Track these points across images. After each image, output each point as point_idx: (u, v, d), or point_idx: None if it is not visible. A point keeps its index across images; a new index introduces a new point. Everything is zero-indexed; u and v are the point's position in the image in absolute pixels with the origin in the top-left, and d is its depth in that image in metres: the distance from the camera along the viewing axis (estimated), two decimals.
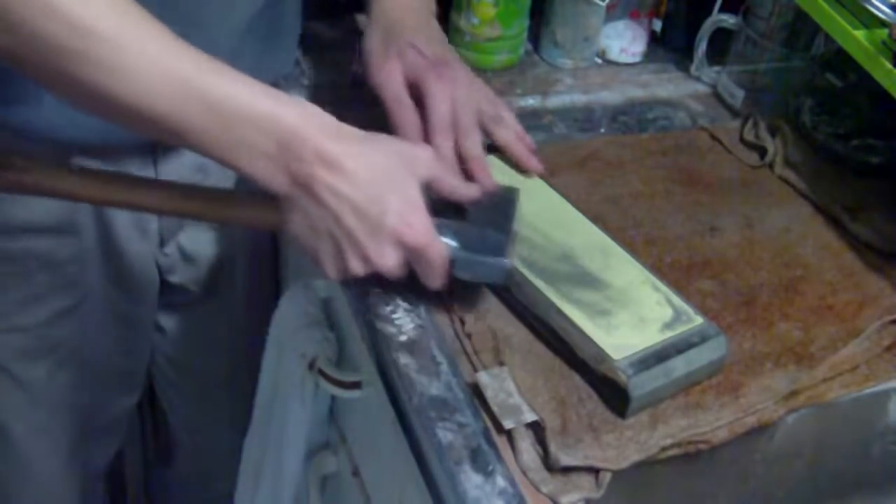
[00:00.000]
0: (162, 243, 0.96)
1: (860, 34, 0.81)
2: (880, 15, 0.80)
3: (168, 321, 1.06)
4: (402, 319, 0.72)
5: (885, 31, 0.79)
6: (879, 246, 0.85)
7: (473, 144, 0.78)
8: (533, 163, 0.83)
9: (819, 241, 0.86)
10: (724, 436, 0.67)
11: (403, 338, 0.70)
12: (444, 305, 0.73)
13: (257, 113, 0.61)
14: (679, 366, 0.67)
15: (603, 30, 1.06)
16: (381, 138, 0.67)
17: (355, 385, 0.82)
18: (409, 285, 0.70)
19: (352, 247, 0.64)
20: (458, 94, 0.78)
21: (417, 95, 0.78)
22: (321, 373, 0.84)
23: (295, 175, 0.62)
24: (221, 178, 0.94)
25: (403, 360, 0.69)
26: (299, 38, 0.96)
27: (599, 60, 1.09)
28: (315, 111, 0.64)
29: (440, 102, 0.77)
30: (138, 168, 0.86)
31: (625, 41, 1.07)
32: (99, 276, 0.92)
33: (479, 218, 0.71)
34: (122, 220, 0.89)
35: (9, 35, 0.57)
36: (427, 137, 0.77)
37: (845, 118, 0.94)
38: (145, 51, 0.59)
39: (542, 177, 0.83)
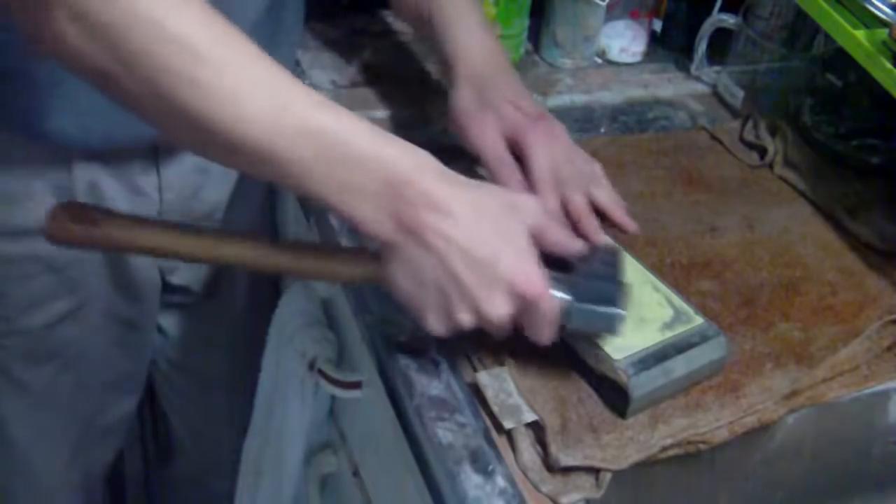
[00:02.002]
0: None
1: (860, 34, 0.81)
2: (880, 15, 0.80)
3: (169, 322, 1.06)
4: (402, 319, 0.72)
5: (885, 31, 0.79)
6: (879, 246, 0.85)
7: (579, 198, 0.76)
8: (631, 226, 0.81)
9: (819, 241, 0.86)
10: (724, 436, 0.67)
11: (403, 338, 0.70)
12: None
13: (368, 154, 0.58)
14: (679, 366, 0.67)
15: (603, 30, 1.06)
16: (487, 185, 0.64)
17: (355, 385, 0.82)
18: (516, 340, 0.66)
19: (461, 296, 0.60)
20: (558, 150, 0.77)
21: (516, 152, 0.77)
22: (321, 373, 0.84)
23: (401, 219, 0.59)
24: (222, 180, 0.94)
25: (403, 360, 0.69)
26: (299, 38, 0.96)
27: (599, 60, 1.09)
28: (424, 155, 0.60)
29: (543, 157, 0.76)
30: (141, 170, 0.86)
31: (625, 41, 1.07)
32: (101, 279, 0.92)
33: (585, 271, 0.68)
34: None
35: (114, 56, 0.54)
36: (531, 193, 0.75)
37: (845, 118, 0.94)
38: (259, 81, 0.56)
39: None
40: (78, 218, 0.65)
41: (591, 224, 0.76)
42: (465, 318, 0.61)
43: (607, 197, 0.80)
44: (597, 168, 0.81)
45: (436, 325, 0.62)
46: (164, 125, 0.59)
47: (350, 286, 0.77)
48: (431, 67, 1.01)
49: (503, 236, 0.61)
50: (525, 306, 0.61)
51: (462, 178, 0.61)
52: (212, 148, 0.59)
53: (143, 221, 0.67)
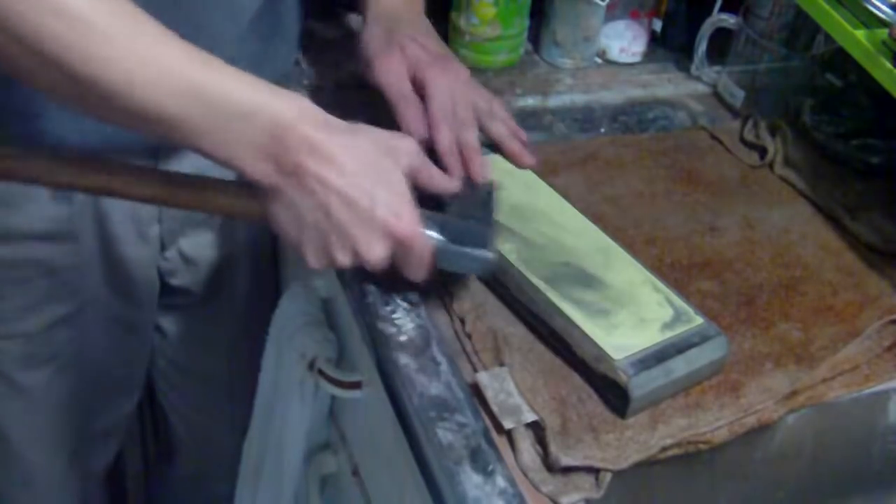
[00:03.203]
0: (163, 248, 0.96)
1: (860, 34, 0.81)
2: (880, 15, 0.80)
3: (169, 323, 1.06)
4: (402, 319, 0.72)
5: (885, 31, 0.79)
6: (879, 246, 0.85)
7: (471, 137, 0.78)
8: (526, 158, 0.83)
9: (819, 241, 0.86)
10: (724, 436, 0.67)
11: (403, 338, 0.70)
12: (443, 304, 0.74)
13: (251, 106, 0.61)
14: (679, 366, 0.67)
15: (603, 30, 1.06)
16: (365, 128, 0.67)
17: (355, 385, 0.82)
18: (394, 278, 0.69)
19: (339, 238, 0.64)
20: (456, 89, 0.79)
21: (419, 90, 0.79)
22: (321, 373, 0.84)
23: (282, 164, 0.62)
24: None
25: (403, 360, 0.69)
26: (299, 38, 0.96)
27: (599, 60, 1.09)
28: (304, 102, 0.63)
29: (442, 95, 0.78)
30: None
31: (625, 41, 1.07)
32: (99, 283, 0.92)
33: (458, 210, 0.71)
34: (122, 227, 0.89)
35: (5, 33, 0.56)
36: (428, 129, 0.77)
37: (845, 118, 0.94)
38: (138, 43, 0.58)
39: (540, 175, 0.83)
40: None
41: (477, 159, 0.78)
42: (344, 259, 0.64)
43: (503, 130, 0.83)
44: (496, 104, 0.83)
45: (315, 262, 0.65)
46: (68, 100, 0.61)
47: (229, 217, 0.81)
48: None
49: (379, 178, 0.64)
50: (399, 247, 0.65)
51: (342, 123, 0.64)
52: (106, 112, 0.61)
53: (29, 151, 0.68)
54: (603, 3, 1.01)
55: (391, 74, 0.79)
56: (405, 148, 0.68)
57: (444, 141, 0.77)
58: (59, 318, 0.91)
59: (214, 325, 1.08)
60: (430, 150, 0.76)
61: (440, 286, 0.74)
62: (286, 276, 1.11)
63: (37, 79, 0.59)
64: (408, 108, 0.78)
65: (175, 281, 1.00)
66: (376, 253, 0.64)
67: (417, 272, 0.67)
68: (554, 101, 1.01)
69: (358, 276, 0.72)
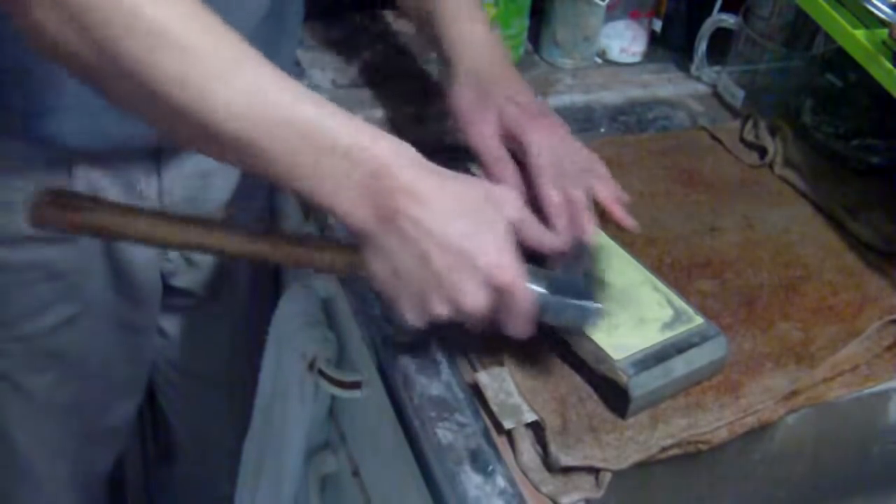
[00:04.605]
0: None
1: (860, 34, 0.81)
2: (880, 15, 0.80)
3: (170, 324, 1.06)
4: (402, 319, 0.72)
5: (885, 31, 0.79)
6: (879, 246, 0.85)
7: (579, 193, 0.76)
8: (629, 221, 0.80)
9: (819, 241, 0.86)
10: (724, 436, 0.67)
11: (403, 338, 0.70)
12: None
13: (348, 144, 0.58)
14: (679, 366, 0.67)
15: (603, 30, 1.06)
16: (468, 177, 0.63)
17: (355, 385, 0.82)
18: (493, 332, 0.65)
19: (438, 288, 0.59)
20: (558, 146, 0.77)
21: (516, 149, 0.77)
22: (321, 373, 0.84)
23: (380, 209, 0.58)
24: (223, 184, 0.94)
25: (403, 360, 0.69)
26: (299, 38, 0.96)
27: (599, 60, 1.09)
28: (404, 146, 0.60)
29: (543, 152, 0.76)
30: (142, 174, 0.86)
31: (625, 41, 1.07)
32: (102, 285, 0.92)
33: (562, 265, 0.68)
34: None
35: (91, 49, 0.54)
36: (533, 187, 0.75)
37: (845, 118, 0.94)
38: (239, 73, 0.56)
39: None
40: (62, 204, 0.65)
41: (585, 220, 0.76)
42: (442, 310, 0.60)
43: (607, 193, 0.80)
44: (598, 163, 0.81)
45: (412, 316, 0.61)
46: (148, 117, 0.59)
47: (330, 274, 0.77)
48: (431, 67, 1.01)
49: (481, 228, 0.60)
50: (501, 299, 0.61)
51: (443, 169, 0.61)
52: (194, 139, 0.59)
53: (127, 209, 0.67)
54: (603, 3, 1.01)
55: (486, 138, 0.77)
56: (508, 199, 0.64)
57: (554, 198, 0.74)
58: (63, 320, 0.91)
59: (215, 326, 1.08)
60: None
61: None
62: (286, 276, 1.11)
63: (126, 101, 0.57)
64: (504, 171, 0.76)
65: (177, 282, 1.00)
66: (477, 304, 0.60)
67: (520, 326, 0.63)
68: (554, 101, 1.01)
69: (454, 335, 0.68)
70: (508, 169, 0.76)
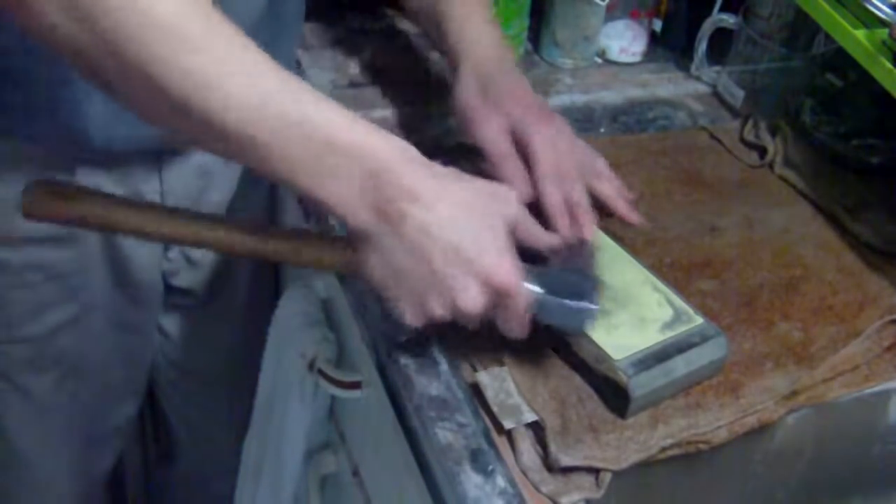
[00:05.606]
0: (166, 248, 0.96)
1: (860, 34, 0.81)
2: (880, 15, 0.80)
3: (170, 324, 1.06)
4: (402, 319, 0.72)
5: (885, 31, 0.79)
6: (879, 246, 0.85)
7: (579, 194, 0.76)
8: (634, 217, 0.80)
9: (819, 241, 0.86)
10: (724, 436, 0.67)
11: (403, 338, 0.70)
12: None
13: (350, 143, 0.58)
14: (679, 366, 0.67)
15: (603, 30, 1.06)
16: (467, 176, 0.63)
17: (355, 385, 0.82)
18: (492, 332, 0.65)
19: (436, 287, 0.59)
20: (559, 145, 0.77)
21: (519, 148, 0.77)
22: (321, 373, 0.84)
23: (380, 208, 0.58)
24: (224, 184, 0.94)
25: (403, 360, 0.69)
26: (299, 38, 0.96)
27: (599, 60, 1.09)
28: (405, 145, 0.60)
29: (545, 152, 0.76)
30: (143, 175, 0.86)
31: (625, 41, 1.07)
32: (103, 286, 0.92)
33: (559, 265, 0.68)
34: None
35: (97, 37, 0.53)
36: (534, 186, 0.75)
37: (845, 118, 0.94)
38: (243, 70, 0.56)
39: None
40: (54, 194, 0.65)
41: (587, 216, 0.76)
42: (439, 310, 0.60)
43: (609, 190, 0.80)
44: (600, 161, 0.81)
45: (410, 316, 0.62)
46: (151, 113, 0.59)
47: (329, 271, 0.76)
48: (432, 67, 1.01)
49: (481, 228, 0.60)
50: (499, 299, 0.61)
51: (443, 169, 0.61)
52: (196, 135, 0.59)
53: (120, 200, 0.66)
54: (603, 3, 1.01)
55: (491, 133, 0.77)
56: (507, 198, 0.64)
57: (553, 199, 0.74)
58: (64, 321, 0.91)
59: (215, 325, 1.08)
60: (529, 207, 0.72)
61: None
62: (286, 276, 1.11)
63: (127, 95, 0.57)
64: (510, 167, 0.76)
65: (177, 282, 1.00)
66: (475, 304, 0.60)
67: (516, 327, 0.63)
68: (554, 101, 1.01)
69: (454, 335, 0.68)
70: (515, 166, 0.77)
